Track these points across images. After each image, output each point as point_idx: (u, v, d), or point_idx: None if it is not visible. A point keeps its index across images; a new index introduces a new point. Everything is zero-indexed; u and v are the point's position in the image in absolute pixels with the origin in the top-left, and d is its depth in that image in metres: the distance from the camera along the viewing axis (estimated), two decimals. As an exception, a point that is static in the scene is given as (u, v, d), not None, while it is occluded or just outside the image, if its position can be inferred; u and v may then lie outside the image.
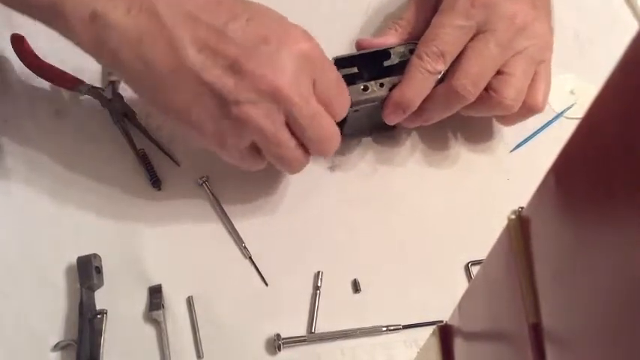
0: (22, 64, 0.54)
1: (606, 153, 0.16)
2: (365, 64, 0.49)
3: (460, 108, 0.48)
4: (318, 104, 0.43)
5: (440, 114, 0.49)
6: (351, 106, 0.47)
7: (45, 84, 0.55)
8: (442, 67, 0.46)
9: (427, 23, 0.50)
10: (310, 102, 0.42)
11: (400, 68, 0.48)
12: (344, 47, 0.59)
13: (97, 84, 0.54)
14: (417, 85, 0.47)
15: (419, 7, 0.51)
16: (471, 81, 0.46)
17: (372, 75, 0.48)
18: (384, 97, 0.47)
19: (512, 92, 0.47)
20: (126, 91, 0.54)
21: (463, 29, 0.46)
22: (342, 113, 0.46)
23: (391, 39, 0.51)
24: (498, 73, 0.47)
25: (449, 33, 0.46)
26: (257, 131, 0.42)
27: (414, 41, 0.50)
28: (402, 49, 0.49)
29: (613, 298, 0.15)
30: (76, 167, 0.52)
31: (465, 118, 0.55)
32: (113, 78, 0.55)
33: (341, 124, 0.50)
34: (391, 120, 0.49)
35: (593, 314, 0.16)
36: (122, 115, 0.53)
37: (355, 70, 0.48)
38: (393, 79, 0.48)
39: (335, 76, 0.45)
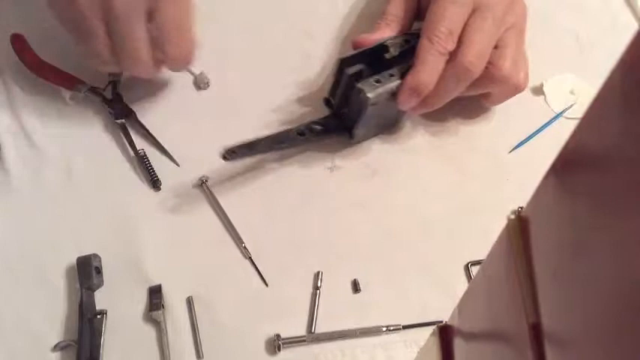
0: (22, 64, 0.54)
1: (606, 153, 0.16)
2: (368, 61, 0.49)
3: (466, 86, 0.49)
4: (140, 14, 0.46)
5: (448, 95, 0.50)
6: (369, 103, 0.47)
7: (45, 84, 0.55)
8: (452, 46, 0.47)
9: (413, 13, 0.52)
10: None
11: (401, 58, 0.49)
12: (341, 47, 0.59)
13: (97, 84, 0.54)
14: (430, 67, 0.47)
15: (401, 0, 0.52)
16: (476, 57, 0.47)
17: (378, 70, 0.49)
18: (399, 85, 0.48)
19: (507, 64, 0.49)
20: (126, 91, 0.54)
21: (464, 6, 0.47)
22: (174, 49, 0.49)
23: (384, 34, 0.51)
24: (494, 47, 0.49)
25: (452, 11, 0.47)
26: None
27: (409, 32, 0.51)
28: (398, 40, 0.50)
29: (613, 298, 0.15)
30: (76, 167, 0.52)
31: (465, 118, 0.55)
32: (113, 78, 0.55)
33: (353, 124, 0.50)
34: (406, 105, 0.49)
35: (593, 314, 0.16)
36: (122, 115, 0.53)
37: (362, 67, 0.49)
38: (401, 67, 0.48)
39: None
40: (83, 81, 0.54)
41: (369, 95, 0.47)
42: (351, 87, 0.49)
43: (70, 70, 0.54)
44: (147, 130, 0.53)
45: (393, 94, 0.48)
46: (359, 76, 0.49)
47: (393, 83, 0.48)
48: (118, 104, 0.53)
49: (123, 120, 0.53)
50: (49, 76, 0.54)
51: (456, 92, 0.49)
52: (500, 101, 0.54)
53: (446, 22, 0.46)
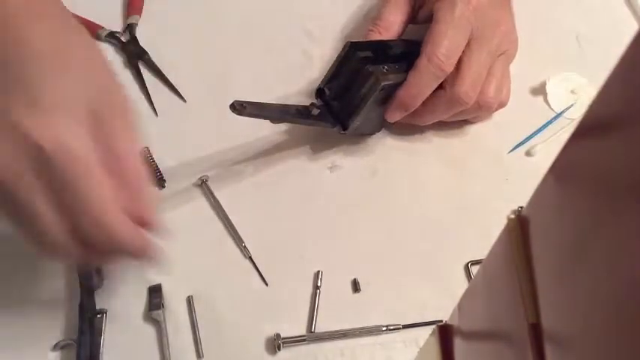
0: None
1: (606, 153, 0.16)
2: (375, 52, 0.50)
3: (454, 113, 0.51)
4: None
5: (435, 118, 0.51)
6: (379, 88, 0.47)
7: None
8: (449, 69, 0.47)
9: (407, 18, 0.52)
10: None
11: (402, 58, 0.50)
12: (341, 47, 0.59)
13: (116, 28, 0.58)
14: (423, 85, 0.48)
15: (396, 6, 0.52)
16: (471, 87, 0.48)
17: (383, 61, 0.49)
18: (405, 78, 0.48)
19: (492, 91, 0.50)
20: (142, 34, 0.58)
21: (464, 31, 0.48)
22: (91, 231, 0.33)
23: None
24: None
25: (454, 34, 0.47)
26: None
27: (411, 39, 0.51)
28: (400, 43, 0.51)
29: (613, 298, 0.15)
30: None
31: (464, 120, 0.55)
32: (131, 21, 0.57)
33: (345, 116, 0.50)
34: (392, 117, 0.50)
35: (593, 314, 0.16)
36: (136, 56, 0.56)
37: (370, 54, 0.49)
38: (404, 64, 0.49)
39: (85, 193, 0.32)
40: (102, 26, 0.57)
41: (380, 77, 0.47)
42: (358, 70, 0.48)
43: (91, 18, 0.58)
44: (158, 68, 0.56)
45: (399, 84, 0.49)
46: (368, 62, 0.49)
47: (401, 75, 0.48)
48: (132, 46, 0.57)
49: (137, 62, 0.56)
50: None
51: (443, 117, 0.51)
52: (484, 119, 0.55)
53: (447, 43, 0.47)
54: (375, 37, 0.51)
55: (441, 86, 0.49)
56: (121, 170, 0.33)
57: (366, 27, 0.60)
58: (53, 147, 0.30)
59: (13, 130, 0.30)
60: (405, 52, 0.50)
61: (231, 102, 0.44)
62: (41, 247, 0.34)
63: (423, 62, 0.47)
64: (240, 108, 0.44)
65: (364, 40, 0.51)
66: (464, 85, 0.48)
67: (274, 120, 0.49)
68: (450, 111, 0.50)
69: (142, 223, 0.36)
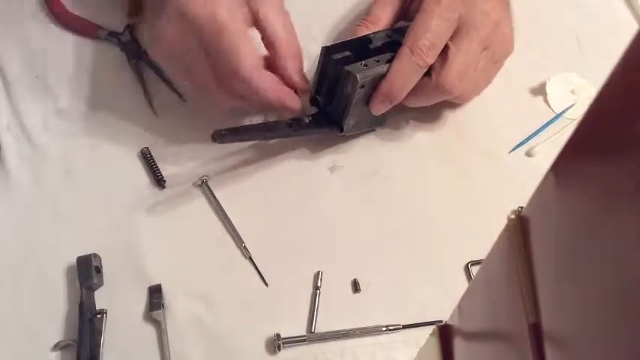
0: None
1: (606, 153, 0.16)
2: (353, 50, 0.49)
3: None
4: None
5: (422, 103, 0.51)
6: (358, 85, 0.47)
7: (41, 90, 0.55)
8: (432, 60, 0.47)
9: (397, 15, 0.51)
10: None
11: (385, 48, 0.49)
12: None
13: (117, 28, 0.58)
14: (406, 77, 0.47)
15: (385, 0, 0.52)
16: (458, 78, 0.47)
17: (363, 58, 0.49)
18: (385, 71, 0.47)
19: (470, 85, 0.50)
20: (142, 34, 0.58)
21: (449, 22, 0.47)
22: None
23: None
24: None
25: (438, 25, 0.46)
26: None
27: (392, 27, 0.51)
28: (381, 34, 0.50)
29: (612, 298, 0.15)
30: (76, 167, 0.52)
31: (465, 118, 0.55)
32: (131, 21, 0.58)
33: (341, 117, 0.50)
34: (378, 110, 0.49)
35: (593, 314, 0.16)
36: (136, 56, 0.56)
37: (348, 53, 0.49)
38: (386, 55, 0.48)
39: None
40: (102, 26, 0.57)
41: (358, 75, 0.46)
42: (338, 73, 0.48)
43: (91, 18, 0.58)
44: (158, 68, 0.56)
45: (381, 77, 0.48)
46: (345, 63, 0.48)
47: (380, 67, 0.47)
48: (132, 46, 0.57)
49: (137, 61, 0.56)
50: (72, 26, 0.58)
51: (427, 104, 0.51)
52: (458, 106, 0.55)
53: (429, 35, 0.46)
54: (363, 32, 0.51)
55: (427, 73, 0.48)
56: (270, 36, 0.48)
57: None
58: (206, 18, 0.44)
59: (180, 14, 0.45)
60: (390, 42, 0.49)
61: (212, 132, 0.45)
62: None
63: (404, 53, 0.46)
64: (218, 137, 0.45)
65: (341, 40, 0.50)
66: (450, 75, 0.47)
67: (266, 139, 0.50)
68: (435, 99, 0.50)
69: (288, 79, 0.48)
